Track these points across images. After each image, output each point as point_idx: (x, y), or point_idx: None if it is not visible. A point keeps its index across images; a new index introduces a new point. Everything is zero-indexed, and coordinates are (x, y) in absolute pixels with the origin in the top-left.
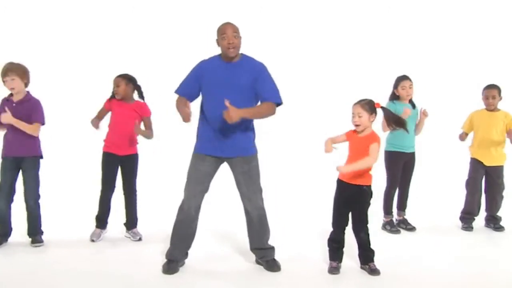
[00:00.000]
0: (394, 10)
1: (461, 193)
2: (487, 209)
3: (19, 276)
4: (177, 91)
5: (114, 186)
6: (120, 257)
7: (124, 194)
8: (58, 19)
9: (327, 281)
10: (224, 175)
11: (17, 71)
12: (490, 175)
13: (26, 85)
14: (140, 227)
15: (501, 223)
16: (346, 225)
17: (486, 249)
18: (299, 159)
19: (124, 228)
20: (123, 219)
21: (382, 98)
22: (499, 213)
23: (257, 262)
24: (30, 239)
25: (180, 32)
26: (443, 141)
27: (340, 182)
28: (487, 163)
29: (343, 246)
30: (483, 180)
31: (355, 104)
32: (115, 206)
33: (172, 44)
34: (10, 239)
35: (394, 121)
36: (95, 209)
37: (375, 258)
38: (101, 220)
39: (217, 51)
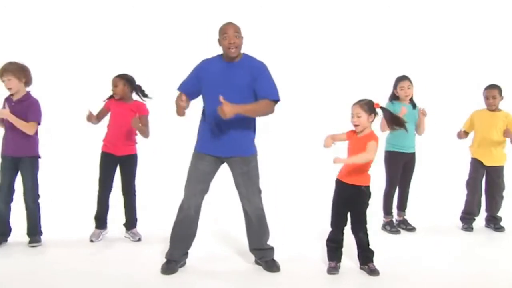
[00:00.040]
0: (394, 10)
1: (461, 193)
2: (487, 209)
3: (18, 276)
4: (178, 88)
5: (111, 186)
6: (119, 257)
7: (123, 194)
8: (58, 19)
9: (326, 281)
10: (224, 176)
11: (13, 71)
12: (490, 175)
13: (26, 84)
14: (140, 227)
15: (502, 224)
16: (345, 225)
17: (486, 249)
18: (298, 160)
19: (124, 228)
20: (123, 220)
21: (382, 98)
22: (499, 214)
23: (257, 263)
24: (29, 239)
25: (180, 32)
26: (443, 142)
27: (338, 182)
28: (487, 163)
29: (341, 247)
30: (483, 180)
31: (354, 104)
32: (115, 206)
33: (172, 44)
34: (9, 239)
35: (394, 121)
36: (94, 209)
37: (375, 259)
38: (100, 220)
39: (218, 50)
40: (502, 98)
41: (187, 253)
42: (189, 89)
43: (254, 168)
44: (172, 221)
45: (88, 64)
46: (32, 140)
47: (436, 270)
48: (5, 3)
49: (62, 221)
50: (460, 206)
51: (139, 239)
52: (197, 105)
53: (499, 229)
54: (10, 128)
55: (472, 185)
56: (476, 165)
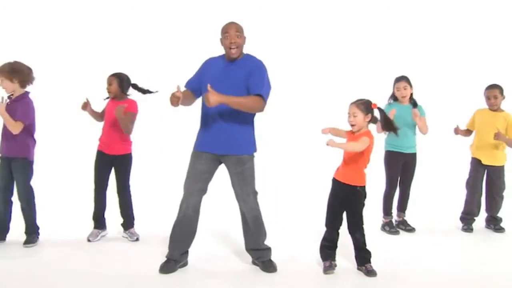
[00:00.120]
0: (394, 10)
1: (461, 193)
2: (487, 210)
3: (15, 276)
4: (185, 86)
5: (106, 185)
6: (116, 257)
7: (118, 194)
8: (57, 19)
9: (323, 281)
10: (223, 175)
11: (3, 72)
12: (490, 175)
13: (21, 84)
14: (138, 227)
15: (502, 224)
16: (340, 225)
17: (486, 250)
18: (296, 160)
19: (122, 228)
20: (121, 219)
21: (382, 98)
22: (499, 214)
23: (254, 263)
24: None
25: (179, 32)
26: (443, 142)
27: (334, 182)
28: (486, 162)
29: (335, 247)
30: (484, 180)
31: (351, 103)
32: (112, 206)
33: (172, 44)
34: (8, 239)
35: (386, 124)
36: (91, 209)
37: (374, 259)
38: (98, 220)
39: (219, 49)
40: (503, 98)
41: (187, 252)
42: (194, 86)
43: (249, 169)
44: (171, 221)
45: (88, 63)
46: (22, 141)
47: (436, 270)
48: (5, 3)
49: (60, 220)
50: (460, 206)
51: (137, 239)
52: (197, 105)
53: (499, 230)
54: (5, 127)
55: (472, 185)
56: (476, 164)
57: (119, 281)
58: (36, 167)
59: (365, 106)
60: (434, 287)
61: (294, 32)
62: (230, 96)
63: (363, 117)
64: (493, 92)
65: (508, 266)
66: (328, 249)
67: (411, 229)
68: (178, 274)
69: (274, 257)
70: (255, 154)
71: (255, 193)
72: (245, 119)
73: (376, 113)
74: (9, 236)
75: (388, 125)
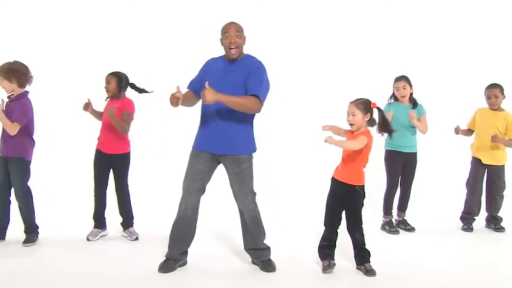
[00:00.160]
0: (394, 10)
1: (461, 193)
2: (487, 209)
3: (14, 275)
4: (188, 87)
5: (105, 184)
6: (116, 256)
7: (116, 193)
8: (57, 19)
9: (322, 281)
10: (222, 174)
11: (1, 72)
12: (490, 175)
13: (20, 84)
14: (137, 226)
15: (502, 224)
16: (339, 224)
17: (486, 249)
18: (295, 160)
19: (121, 227)
20: (120, 219)
21: (382, 98)
22: (500, 214)
23: (253, 262)
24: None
25: (180, 32)
26: (443, 141)
27: (333, 181)
28: (486, 161)
29: (334, 246)
30: (484, 179)
31: (351, 103)
32: (112, 205)
33: (172, 44)
34: (8, 238)
35: (383, 126)
36: (92, 208)
37: (373, 259)
38: (97, 220)
39: (218, 50)
40: (504, 97)
41: (186, 252)
42: (196, 87)
43: (246, 170)
44: (171, 220)
45: (87, 64)
46: (19, 141)
47: (436, 270)
48: (5, 3)
49: (59, 220)
50: (460, 206)
51: (136, 238)
52: (197, 104)
53: (500, 229)
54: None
55: (472, 184)
56: (476, 164)
57: (118, 280)
58: (36, 166)
59: (364, 105)
60: (434, 287)
61: (294, 32)
62: (227, 95)
63: (362, 116)
64: (494, 91)
65: (508, 266)
66: (327, 248)
67: (411, 229)
68: (177, 273)
69: (273, 256)
70: (254, 154)
71: (253, 193)
72: (244, 119)
73: (375, 114)
74: (8, 235)
75: (384, 126)
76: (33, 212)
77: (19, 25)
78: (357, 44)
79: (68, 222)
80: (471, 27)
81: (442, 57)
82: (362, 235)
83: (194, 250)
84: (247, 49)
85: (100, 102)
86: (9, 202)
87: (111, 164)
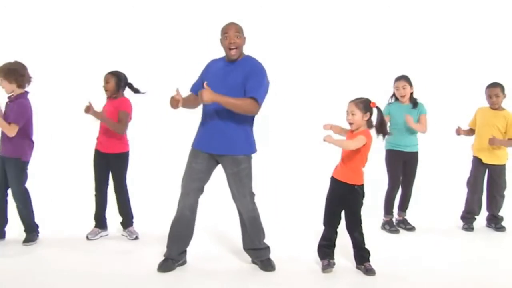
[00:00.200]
0: (394, 10)
1: (462, 192)
2: (488, 208)
3: (13, 274)
4: (190, 90)
5: (105, 183)
6: (115, 255)
7: (115, 192)
8: (57, 19)
9: (321, 280)
10: (221, 174)
11: (1, 73)
12: (491, 174)
13: (19, 85)
14: (137, 226)
15: (503, 223)
16: (338, 224)
17: (486, 249)
18: (295, 159)
19: (121, 226)
20: (120, 218)
21: (382, 98)
22: (500, 213)
23: (253, 262)
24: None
25: (180, 32)
26: (444, 141)
27: (333, 180)
28: (486, 160)
29: (334, 246)
30: (485, 179)
31: (350, 102)
32: (112, 205)
33: (172, 44)
34: (8, 237)
35: (380, 126)
36: (92, 208)
37: (373, 258)
38: (99, 219)
39: (218, 50)
40: (505, 96)
41: (185, 251)
42: (198, 90)
43: (245, 170)
44: (170, 219)
45: (87, 64)
46: (16, 142)
47: (436, 270)
48: (5, 3)
49: (59, 219)
50: (461, 205)
51: (136, 238)
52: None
53: (500, 229)
54: None
55: (472, 183)
56: (477, 163)
57: (118, 279)
58: (36, 166)
59: (364, 104)
60: (434, 286)
61: (294, 32)
62: (224, 96)
63: (361, 115)
64: (495, 90)
65: (509, 266)
66: (326, 248)
67: (411, 228)
68: (176, 273)
69: (272, 256)
70: (253, 155)
71: (252, 194)
72: (243, 120)
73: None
74: (8, 235)
75: (381, 126)
76: (32, 212)
77: (19, 25)
78: (357, 44)
79: (68, 222)
80: (471, 27)
81: (442, 57)
82: (362, 234)
83: (193, 250)
84: (247, 50)
85: (100, 102)
86: (6, 202)
87: (109, 163)
